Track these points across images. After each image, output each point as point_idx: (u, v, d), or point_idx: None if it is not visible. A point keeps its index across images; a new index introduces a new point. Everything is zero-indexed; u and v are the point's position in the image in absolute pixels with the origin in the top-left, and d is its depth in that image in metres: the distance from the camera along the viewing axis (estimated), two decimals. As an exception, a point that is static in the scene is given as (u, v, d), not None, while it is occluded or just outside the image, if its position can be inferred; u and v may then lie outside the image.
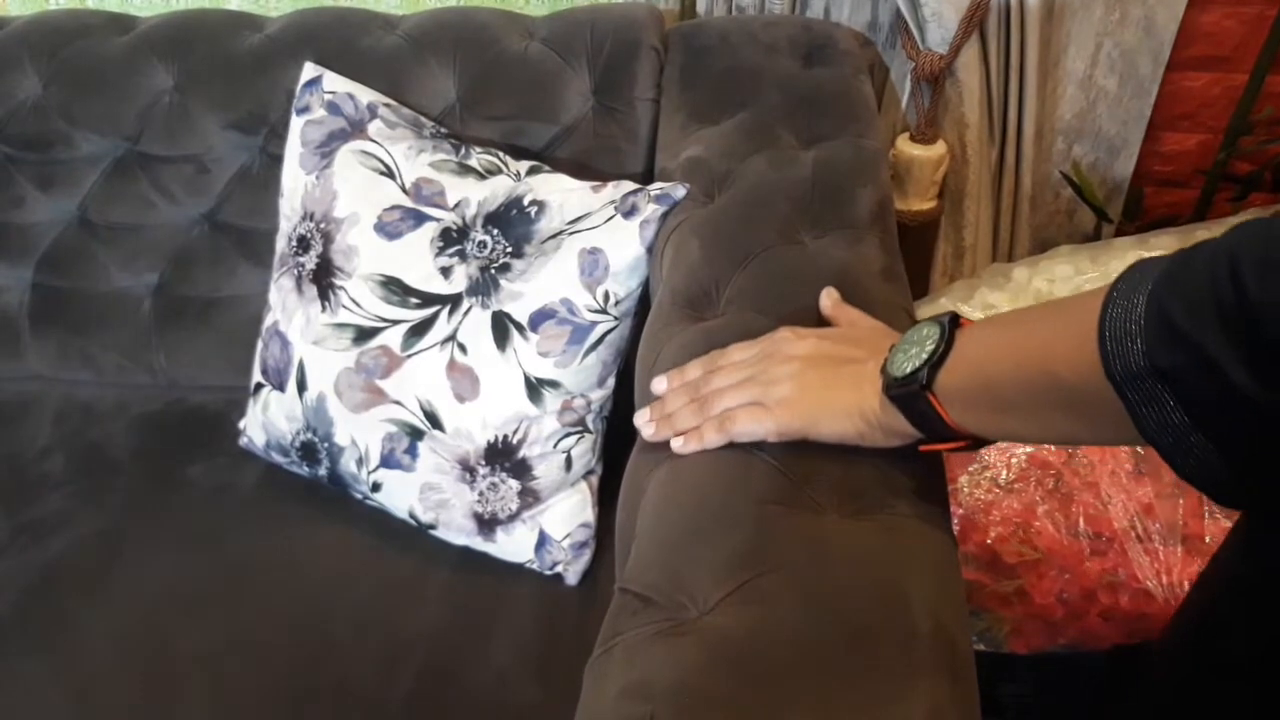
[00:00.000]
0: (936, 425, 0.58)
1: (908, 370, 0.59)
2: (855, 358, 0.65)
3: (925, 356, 0.58)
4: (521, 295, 0.92)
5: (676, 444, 0.68)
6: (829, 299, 0.74)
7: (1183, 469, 0.46)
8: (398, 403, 0.94)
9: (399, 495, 0.98)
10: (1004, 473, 1.11)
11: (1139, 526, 1.09)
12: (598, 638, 0.60)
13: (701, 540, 0.59)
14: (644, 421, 0.72)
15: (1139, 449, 1.12)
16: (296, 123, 1.05)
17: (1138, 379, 0.45)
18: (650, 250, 0.91)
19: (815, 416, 0.64)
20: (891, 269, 0.79)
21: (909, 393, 0.58)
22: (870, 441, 0.63)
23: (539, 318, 0.91)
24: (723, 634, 0.53)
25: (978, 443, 0.60)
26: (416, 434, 0.95)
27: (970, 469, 1.11)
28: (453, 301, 0.93)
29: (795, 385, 0.65)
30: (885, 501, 0.60)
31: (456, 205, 0.97)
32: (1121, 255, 1.19)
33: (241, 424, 1.10)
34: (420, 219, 0.96)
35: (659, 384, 0.74)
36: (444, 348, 0.93)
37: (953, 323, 0.60)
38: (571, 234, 0.92)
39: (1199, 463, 0.45)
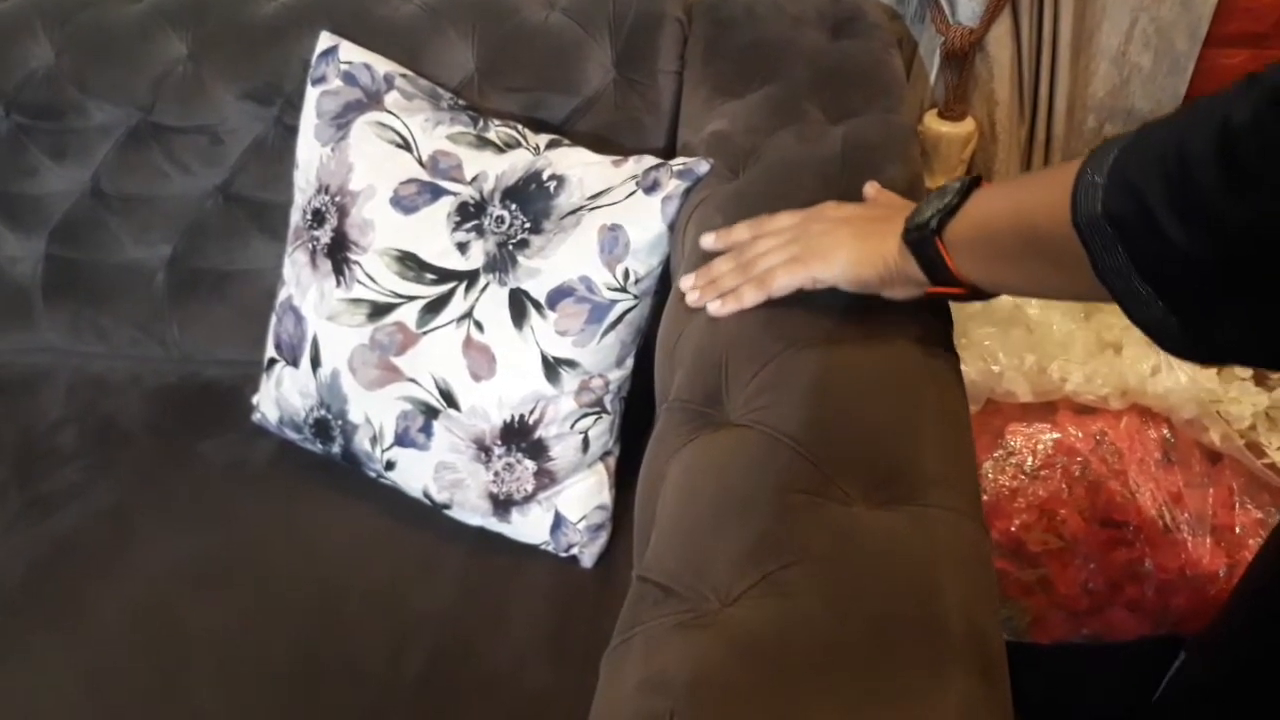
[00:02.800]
0: (941, 270, 0.64)
1: (924, 218, 0.65)
2: (886, 217, 0.71)
3: (940, 207, 0.64)
4: (540, 272, 0.89)
5: (713, 306, 0.75)
6: (872, 189, 0.81)
7: (1133, 314, 0.51)
8: (413, 380, 0.93)
9: (413, 474, 0.97)
10: (1030, 459, 1.09)
11: (1167, 516, 1.07)
12: (616, 626, 0.58)
13: (723, 529, 0.57)
14: (689, 287, 0.79)
15: (1169, 435, 1.10)
16: (312, 93, 1.03)
17: (1095, 225, 0.50)
18: (672, 227, 0.88)
19: (845, 265, 0.70)
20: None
21: (921, 238, 0.65)
22: (888, 289, 0.69)
23: (557, 295, 0.89)
24: (745, 627, 0.52)
25: (976, 292, 0.66)
26: (431, 412, 0.93)
27: (995, 455, 1.09)
28: (469, 278, 0.91)
29: (830, 239, 0.71)
30: (915, 491, 0.58)
31: (474, 179, 0.95)
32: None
33: (255, 399, 1.08)
34: (437, 193, 0.94)
35: (707, 239, 0.80)
36: (460, 325, 0.91)
37: (973, 183, 0.65)
38: (591, 210, 0.90)
39: (1147, 310, 0.50)
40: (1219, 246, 0.46)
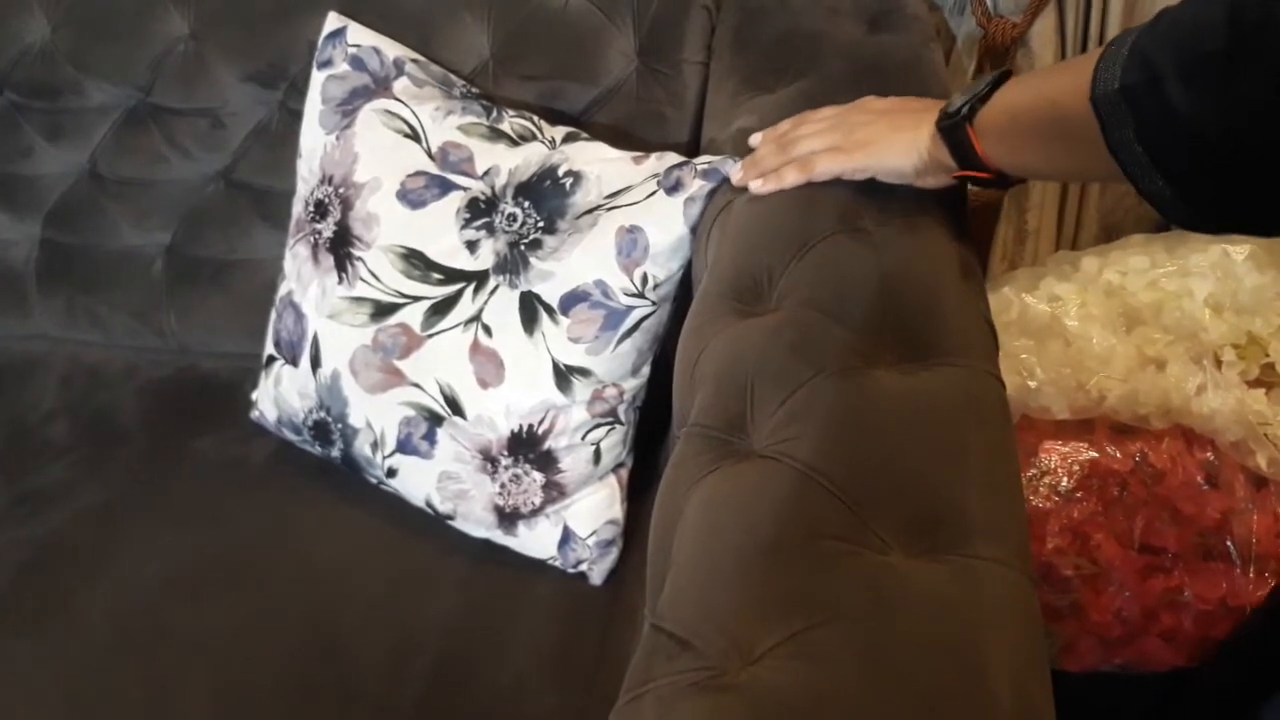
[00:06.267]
0: (969, 155, 0.67)
1: (955, 106, 0.68)
2: (923, 108, 0.74)
3: (971, 95, 0.67)
4: (552, 275, 0.84)
5: (755, 185, 0.79)
6: None
7: (1139, 186, 0.54)
8: (416, 385, 0.88)
9: (415, 483, 0.92)
10: (1064, 479, 1.03)
11: (1208, 544, 1.02)
12: (625, 679, 0.53)
13: (747, 577, 0.52)
14: (734, 170, 0.82)
15: (1212, 458, 1.04)
16: (317, 77, 0.98)
17: (1110, 99, 0.53)
18: (695, 230, 0.83)
19: (882, 154, 0.74)
20: (967, 264, 0.71)
21: (953, 124, 0.68)
22: (921, 178, 0.73)
23: (570, 300, 0.84)
24: (770, 693, 0.47)
25: (1003, 178, 0.69)
26: (435, 419, 0.88)
27: (1029, 474, 1.04)
28: (478, 279, 0.86)
29: (870, 130, 0.75)
30: (958, 539, 0.53)
31: (485, 173, 0.89)
32: (1202, 248, 1.09)
33: (254, 396, 1.04)
34: (446, 187, 0.89)
35: (755, 139, 0.84)
36: (467, 328, 0.86)
37: (1003, 75, 0.68)
38: (609, 209, 0.85)
39: (1150, 182, 0.53)
40: (1220, 116, 0.48)
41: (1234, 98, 0.48)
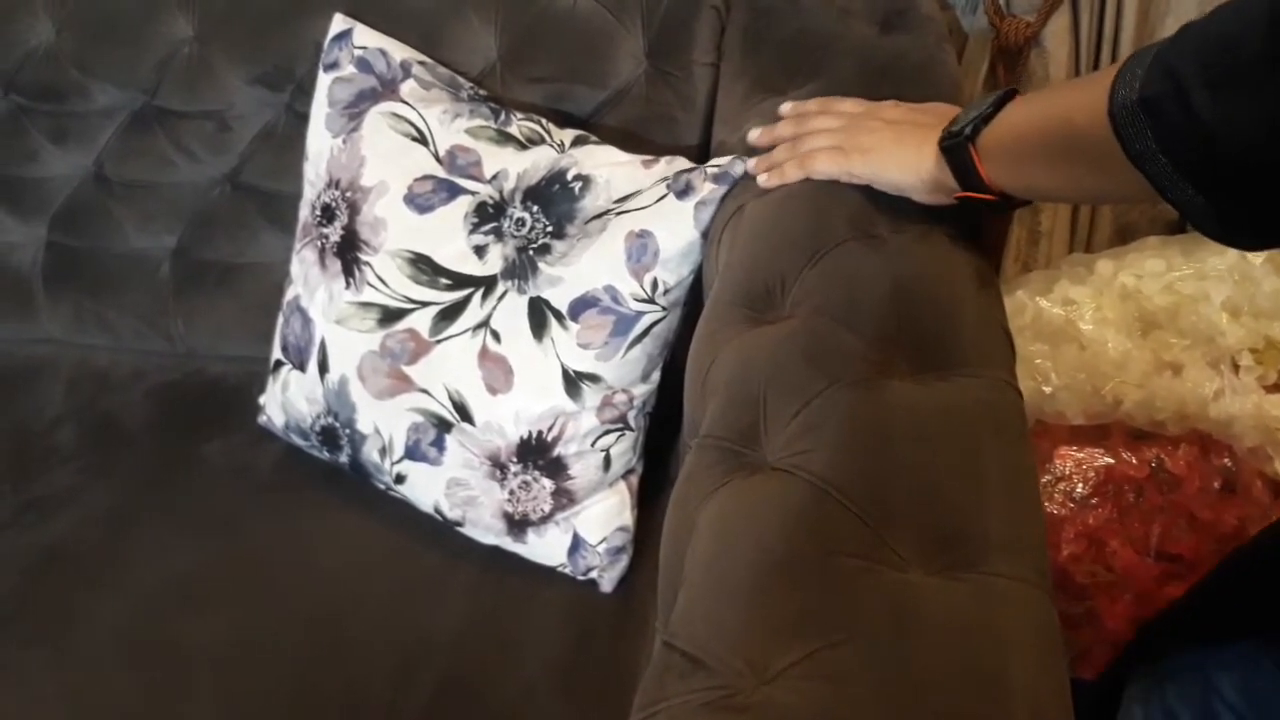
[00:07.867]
0: (972, 176, 0.66)
1: (959, 126, 0.67)
2: (933, 124, 0.71)
3: (975, 115, 0.66)
4: (562, 280, 0.83)
5: (761, 179, 0.79)
6: None
7: (1167, 195, 0.53)
8: (425, 391, 0.87)
9: (424, 489, 0.91)
10: (1079, 486, 1.02)
11: (1225, 551, 1.00)
12: (637, 697, 0.52)
13: (762, 596, 0.51)
14: (753, 162, 0.82)
15: (1229, 464, 1.03)
16: (324, 80, 0.97)
17: (1129, 111, 0.52)
18: (706, 235, 0.82)
19: (882, 166, 0.73)
20: (984, 273, 0.70)
21: (956, 144, 0.66)
22: (920, 193, 0.72)
23: (580, 306, 0.83)
24: (787, 714, 0.46)
25: (1007, 201, 0.67)
26: (444, 425, 0.87)
27: (1043, 480, 1.02)
28: (486, 284, 0.85)
29: (875, 139, 0.74)
30: (978, 556, 0.51)
31: (494, 177, 0.88)
32: (1219, 251, 1.08)
33: (261, 400, 1.03)
34: (454, 191, 0.88)
35: (784, 108, 0.85)
36: (476, 334, 0.85)
37: (1008, 93, 0.67)
38: (619, 214, 0.84)
39: (1179, 191, 0.52)
40: (1250, 125, 0.47)
41: (1268, 106, 0.47)
